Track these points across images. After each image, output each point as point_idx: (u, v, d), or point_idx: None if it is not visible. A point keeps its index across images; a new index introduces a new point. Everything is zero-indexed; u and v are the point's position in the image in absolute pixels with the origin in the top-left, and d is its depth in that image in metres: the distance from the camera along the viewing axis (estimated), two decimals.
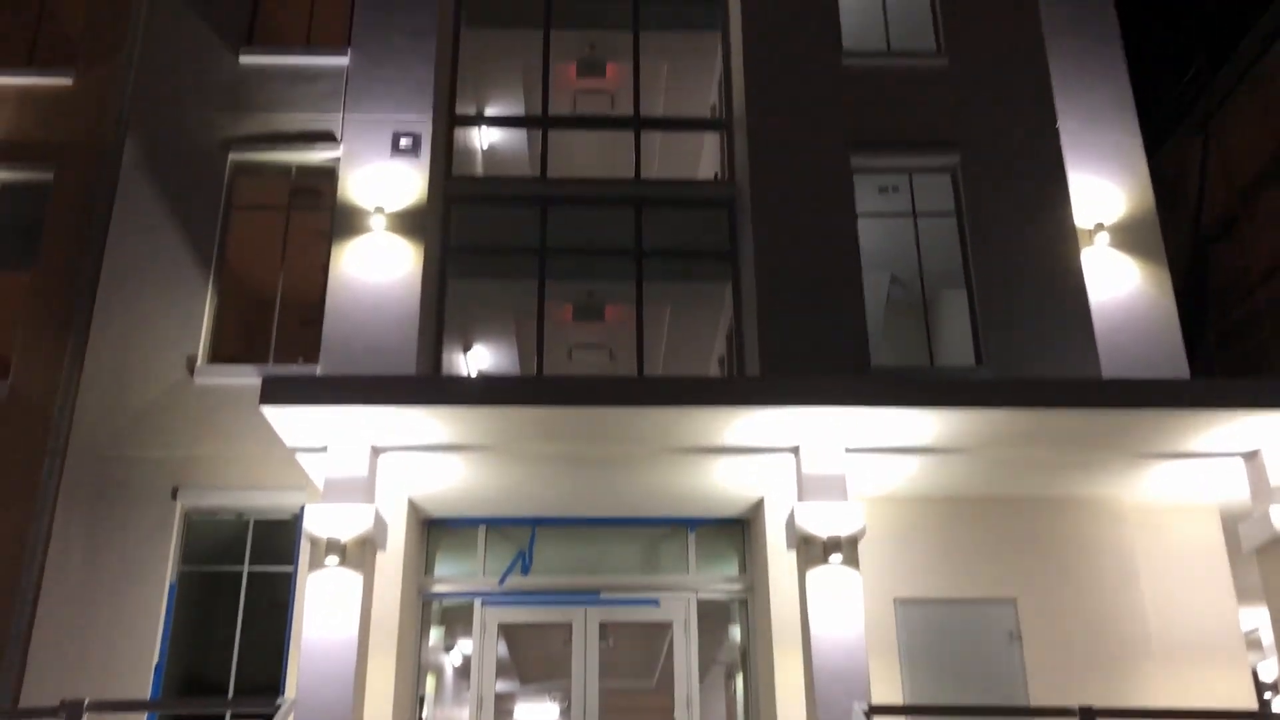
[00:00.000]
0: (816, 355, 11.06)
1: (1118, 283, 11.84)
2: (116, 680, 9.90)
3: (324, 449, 8.96)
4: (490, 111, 14.64)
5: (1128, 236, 12.07)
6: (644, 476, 9.75)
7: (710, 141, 13.97)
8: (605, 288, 13.29)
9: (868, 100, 12.35)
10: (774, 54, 12.51)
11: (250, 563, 10.62)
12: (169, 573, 10.37)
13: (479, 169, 14.43)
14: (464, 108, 13.59)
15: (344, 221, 11.45)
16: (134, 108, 12.20)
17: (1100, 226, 12.02)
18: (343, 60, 12.40)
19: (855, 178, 12.07)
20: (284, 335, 11.63)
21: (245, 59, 12.43)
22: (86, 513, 10.48)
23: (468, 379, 11.02)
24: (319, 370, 10.87)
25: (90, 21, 12.69)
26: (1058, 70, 12.75)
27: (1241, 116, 16.51)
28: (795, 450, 9.02)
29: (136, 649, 10.07)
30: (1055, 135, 12.19)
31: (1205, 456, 9.34)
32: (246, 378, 10.92)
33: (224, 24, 12.63)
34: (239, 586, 10.55)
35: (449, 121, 12.98)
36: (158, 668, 10.08)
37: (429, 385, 8.91)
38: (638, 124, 13.20)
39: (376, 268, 11.26)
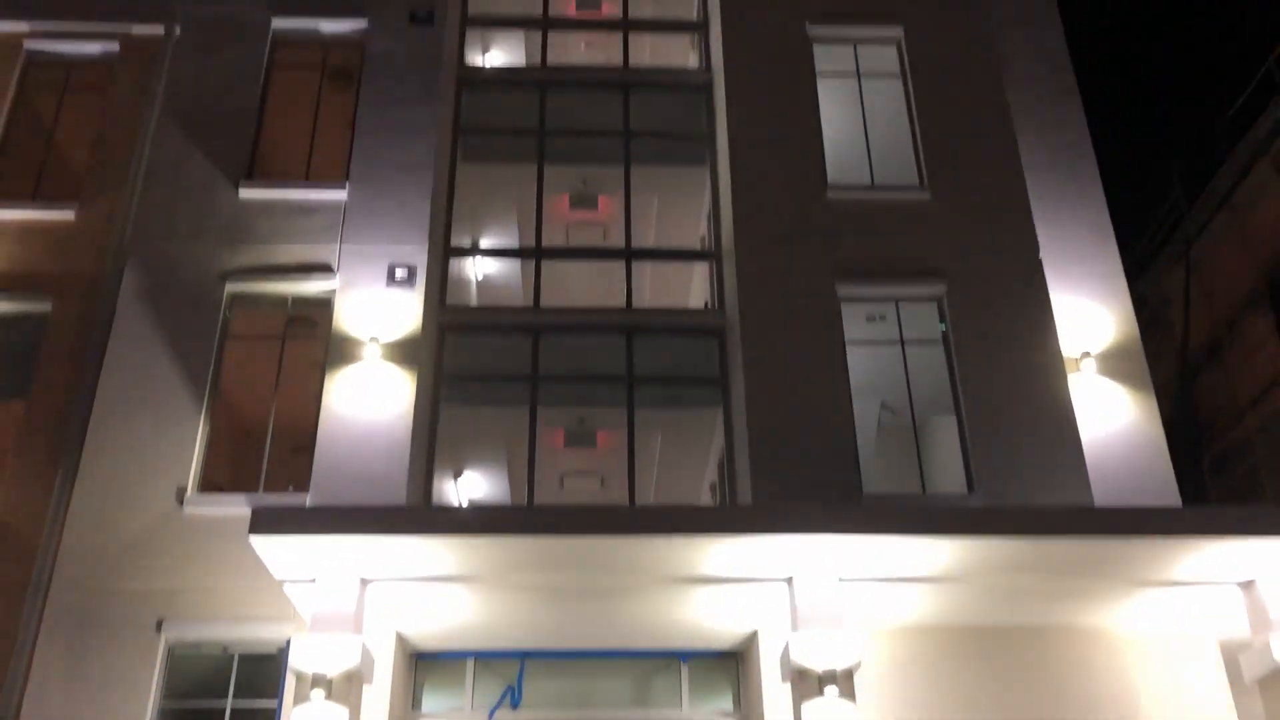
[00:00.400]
0: (809, 483, 11.04)
1: (1106, 409, 11.94)
2: None
3: (312, 580, 8.87)
4: (485, 242, 14.92)
5: (1114, 363, 12.22)
6: (635, 607, 9.63)
7: (700, 270, 14.22)
8: (597, 415, 13.36)
9: (853, 232, 12.62)
10: (761, 187, 12.82)
11: (234, 697, 10.38)
12: (150, 709, 10.11)
13: (473, 298, 14.63)
14: (459, 239, 13.86)
15: (338, 351, 11.56)
16: (134, 240, 12.41)
17: (1086, 354, 12.19)
18: (341, 194, 12.68)
19: (843, 306, 12.25)
20: (275, 464, 11.61)
21: (245, 193, 12.70)
22: (68, 647, 10.28)
23: (457, 509, 11.00)
24: (309, 500, 10.82)
25: (96, 157, 13.02)
26: (1038, 202, 13.09)
27: (1220, 244, 16.87)
28: (789, 581, 8.95)
29: None
30: (1038, 265, 12.43)
31: (1201, 585, 9.27)
32: (236, 507, 10.85)
33: (225, 159, 12.94)
34: None
35: (444, 252, 13.22)
36: None
37: (418, 515, 8.89)
38: (629, 255, 13.46)
39: (369, 396, 11.32)
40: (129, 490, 11.03)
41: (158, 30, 13.76)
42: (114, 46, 13.81)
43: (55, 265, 12.33)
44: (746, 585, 9.18)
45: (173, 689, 10.37)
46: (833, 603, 8.78)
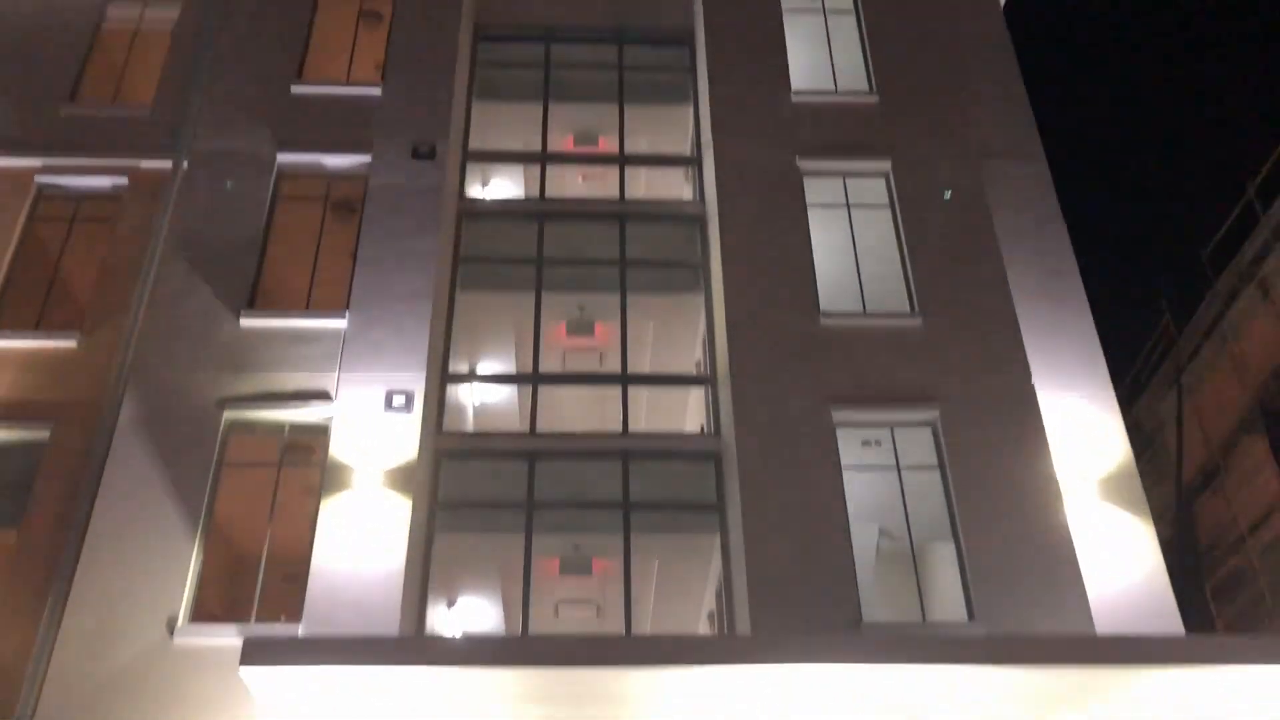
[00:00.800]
0: (808, 611, 10.90)
1: (1104, 536, 11.89)
2: None
3: (303, 714, 8.70)
4: (483, 369, 15.06)
5: (1110, 489, 12.23)
6: None
7: (695, 396, 14.32)
8: (593, 541, 13.26)
9: (846, 358, 12.75)
10: (754, 314, 12.99)
11: None
12: None
13: (470, 424, 14.68)
14: (457, 365, 13.99)
15: (334, 478, 11.54)
16: (134, 368, 12.52)
17: (1083, 479, 12.19)
18: (341, 322, 12.84)
19: (839, 431, 12.30)
20: (268, 593, 11.48)
21: (246, 321, 12.87)
22: None
23: (452, 639, 10.84)
24: (301, 630, 10.67)
25: (100, 286, 13.24)
26: (1029, 328, 13.28)
27: (1211, 370, 17.04)
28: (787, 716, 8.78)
29: None
30: (1031, 390, 12.53)
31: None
32: (227, 638, 10.67)
33: (228, 288, 13.14)
34: None
35: (442, 379, 13.33)
36: None
37: (412, 645, 8.78)
38: (625, 380, 13.57)
39: (364, 524, 11.26)
40: (119, 621, 10.87)
41: (166, 165, 14.14)
42: (123, 180, 14.17)
43: (56, 393, 12.42)
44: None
45: None
46: None
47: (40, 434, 12.17)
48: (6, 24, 15.72)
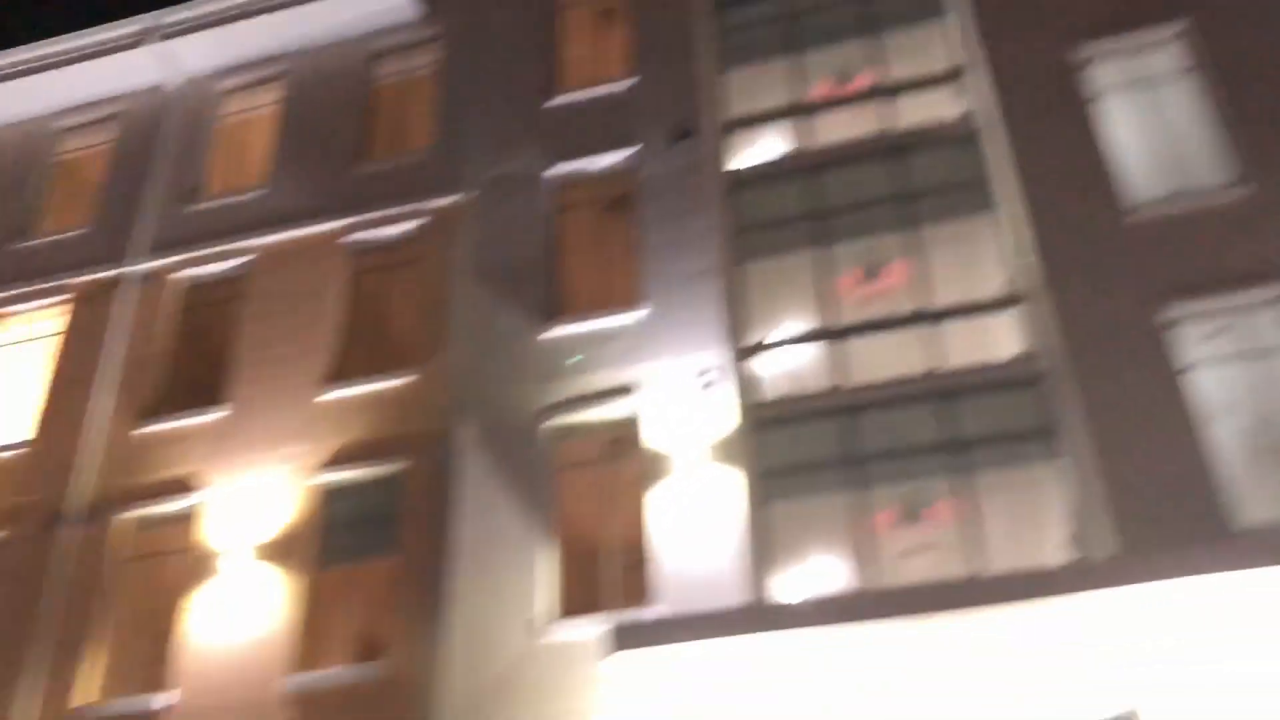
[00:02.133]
0: (1169, 524, 10.10)
1: None
2: None
3: (670, 692, 9.01)
4: (783, 334, 14.98)
5: None
6: (996, 689, 9.05)
7: (1005, 322, 13.58)
8: (924, 487, 12.83)
9: (1167, 248, 11.67)
10: (1060, 220, 12.17)
11: None
12: None
13: (780, 390, 14.67)
14: (756, 334, 13.99)
15: (655, 465, 11.88)
16: (460, 395, 13.43)
17: None
18: (638, 315, 13.20)
19: (1174, 328, 11.31)
20: (614, 584, 11.99)
21: (547, 334, 13.50)
22: None
23: (803, 603, 10.83)
24: (654, 614, 11.05)
25: (419, 324, 14.32)
26: None
27: None
28: (1165, 640, 8.16)
29: None
30: None
31: None
32: (589, 632, 11.24)
33: (528, 305, 13.83)
34: None
35: (745, 351, 13.39)
36: None
37: (765, 614, 8.87)
38: (929, 317, 13.09)
39: (695, 504, 11.52)
40: (493, 629, 11.70)
41: (454, 199, 15.07)
42: (421, 223, 15.22)
43: (403, 428, 13.53)
44: (1114, 652, 8.44)
45: None
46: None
47: (397, 467, 13.31)
48: (296, 102, 17.23)
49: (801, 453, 12.74)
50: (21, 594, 13.45)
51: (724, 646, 8.59)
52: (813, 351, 14.49)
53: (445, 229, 14.97)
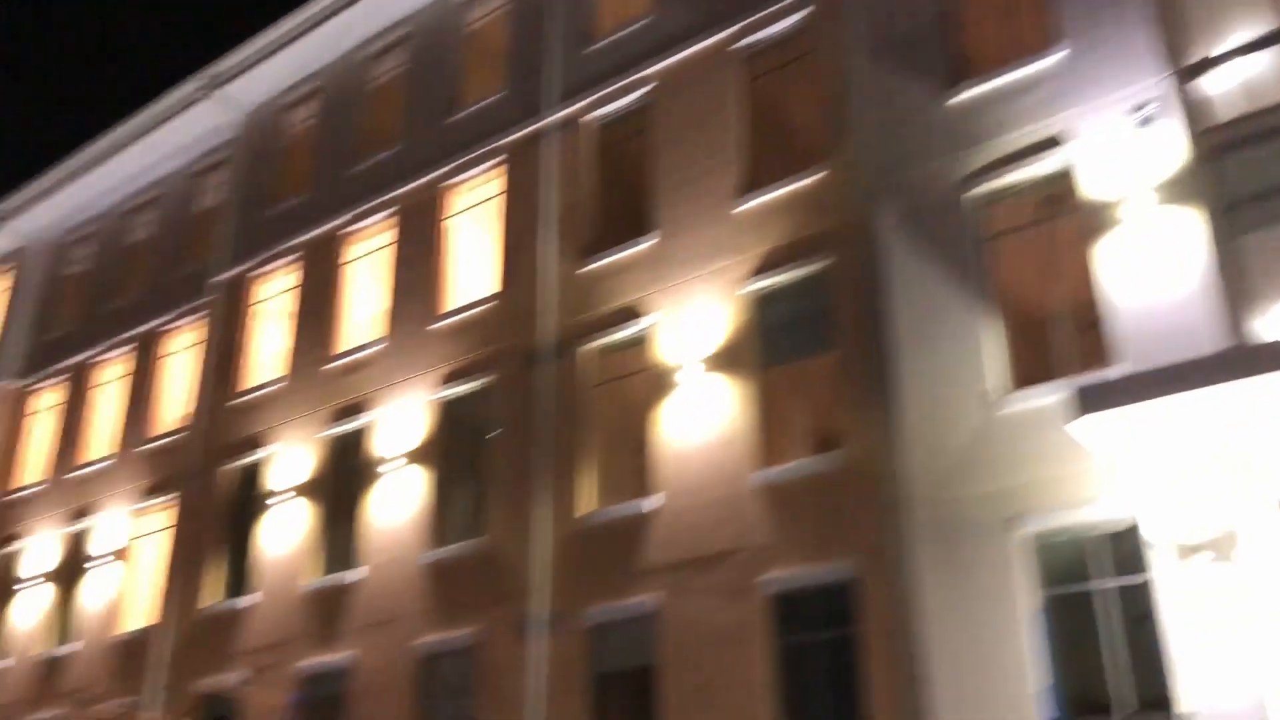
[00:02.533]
0: None
1: None
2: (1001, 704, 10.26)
3: (1143, 449, 8.51)
4: (1232, 42, 13.02)
5: None
6: None
7: None
8: None
9: None
10: None
11: (1107, 576, 10.35)
12: (1028, 600, 10.53)
13: (1236, 109, 12.85)
14: (1199, 50, 12.28)
15: (1098, 217, 10.95)
16: (873, 181, 13.08)
17: None
18: (1055, 57, 12.05)
19: None
20: (1070, 348, 11.39)
21: (956, 98, 12.68)
22: (934, 554, 11.14)
23: None
24: (1118, 372, 10.40)
25: (823, 122, 14.05)
26: None
27: None
28: None
29: (1013, 676, 10.35)
30: None
31: None
32: (1047, 398, 10.85)
33: (928, 73, 13.05)
34: (1098, 603, 10.33)
35: (1187, 71, 11.82)
36: (1046, 690, 10.22)
37: (1253, 355, 8.04)
38: None
39: (1150, 252, 10.55)
40: (945, 406, 11.63)
41: None
42: (810, 9, 14.68)
43: (821, 225, 13.48)
44: None
45: (1048, 578, 10.63)
46: None
47: (822, 264, 13.34)
48: None
49: (1273, 174, 11.19)
50: (519, 427, 15.25)
51: (1206, 398, 7.90)
52: (1272, 57, 12.55)
53: (833, 11, 14.39)
